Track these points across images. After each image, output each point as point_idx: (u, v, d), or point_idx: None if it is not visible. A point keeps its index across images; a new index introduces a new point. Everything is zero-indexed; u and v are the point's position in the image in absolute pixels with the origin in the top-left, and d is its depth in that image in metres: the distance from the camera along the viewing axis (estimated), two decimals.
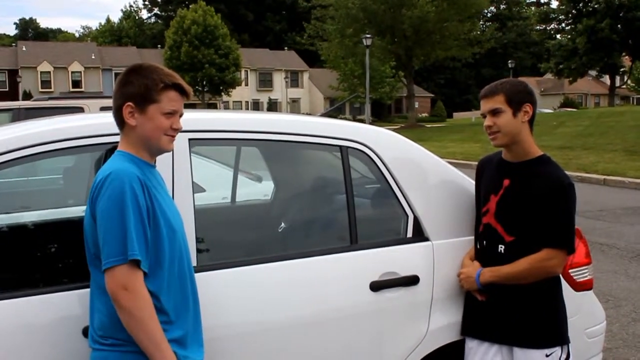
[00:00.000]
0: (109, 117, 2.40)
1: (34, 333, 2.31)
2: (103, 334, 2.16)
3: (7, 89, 58.99)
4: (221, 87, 57.08)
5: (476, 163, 3.19)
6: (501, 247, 2.85)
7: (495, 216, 2.87)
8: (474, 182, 3.12)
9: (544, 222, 2.75)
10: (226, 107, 60.95)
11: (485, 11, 76.54)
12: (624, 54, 59.40)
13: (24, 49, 63.85)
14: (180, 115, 2.33)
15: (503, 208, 2.85)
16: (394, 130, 3.75)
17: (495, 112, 2.80)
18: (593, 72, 66.25)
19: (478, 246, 2.98)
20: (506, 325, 2.85)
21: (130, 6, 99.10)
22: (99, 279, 2.17)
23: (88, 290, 2.27)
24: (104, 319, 2.16)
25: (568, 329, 2.89)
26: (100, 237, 2.09)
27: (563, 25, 62.27)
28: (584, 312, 3.24)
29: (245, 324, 2.63)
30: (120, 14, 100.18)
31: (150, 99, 2.23)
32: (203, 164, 3.73)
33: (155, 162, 2.36)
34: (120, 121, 2.28)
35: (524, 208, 2.79)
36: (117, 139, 2.36)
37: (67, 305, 2.37)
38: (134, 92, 2.22)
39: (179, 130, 2.33)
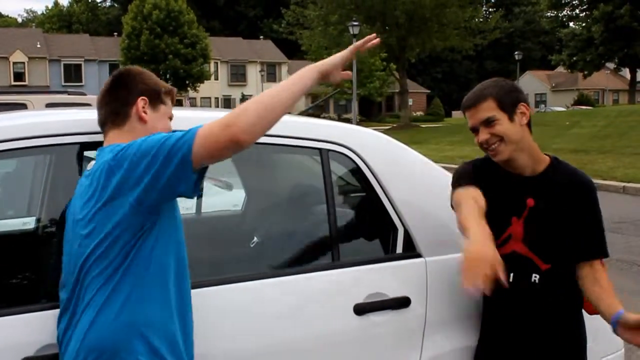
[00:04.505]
0: (61, 115, 2.39)
1: None
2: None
3: None
4: (187, 82, 56.99)
5: None
6: (535, 277, 2.78)
7: (526, 242, 2.78)
8: None
9: (586, 233, 2.75)
10: (192, 105, 60.84)
11: None
12: None
13: None
14: None
15: (534, 232, 2.77)
16: (384, 131, 3.78)
17: (489, 122, 2.70)
18: (611, 65, 66.93)
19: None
20: (528, 352, 2.83)
21: None
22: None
23: (42, 313, 2.27)
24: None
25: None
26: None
27: (577, 11, 62.99)
28: (600, 339, 3.24)
29: (211, 355, 2.61)
30: None
31: (161, 99, 2.45)
32: None
33: None
34: (123, 116, 2.37)
35: (559, 228, 2.75)
36: (73, 139, 2.45)
37: (12, 331, 2.30)
38: (146, 89, 2.41)
39: None
